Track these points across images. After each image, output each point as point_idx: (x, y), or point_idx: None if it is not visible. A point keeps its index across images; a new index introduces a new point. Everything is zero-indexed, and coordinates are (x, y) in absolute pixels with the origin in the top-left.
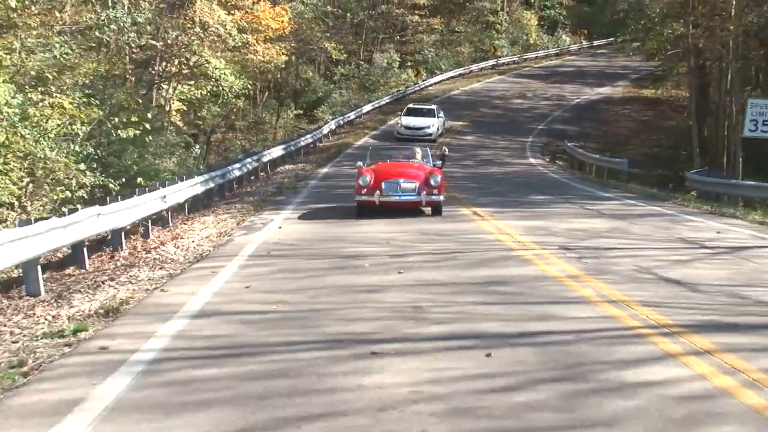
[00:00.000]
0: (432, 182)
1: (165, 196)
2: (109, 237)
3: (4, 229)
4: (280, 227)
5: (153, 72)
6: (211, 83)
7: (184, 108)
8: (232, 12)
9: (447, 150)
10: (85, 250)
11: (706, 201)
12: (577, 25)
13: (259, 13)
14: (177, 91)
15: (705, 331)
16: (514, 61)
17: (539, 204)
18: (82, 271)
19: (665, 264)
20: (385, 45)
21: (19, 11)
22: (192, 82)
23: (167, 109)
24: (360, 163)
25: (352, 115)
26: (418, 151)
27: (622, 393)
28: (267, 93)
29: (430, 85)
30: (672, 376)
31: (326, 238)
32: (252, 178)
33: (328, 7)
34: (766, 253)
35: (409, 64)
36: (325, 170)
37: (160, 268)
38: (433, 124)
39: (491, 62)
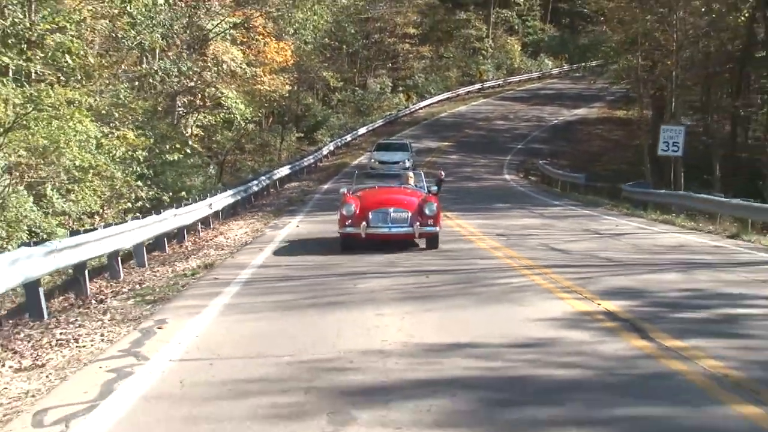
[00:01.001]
0: (427, 211)
1: (211, 204)
2: (175, 232)
3: (138, 220)
4: (297, 226)
5: (179, 105)
6: (225, 111)
7: (202, 133)
8: (242, 49)
9: (444, 174)
10: (165, 240)
11: (635, 207)
12: (558, 50)
13: (265, 48)
14: (196, 120)
15: (552, 267)
16: (499, 84)
17: (499, 210)
18: (163, 254)
19: (560, 242)
20: (378, 71)
21: (96, 65)
22: (209, 111)
23: (189, 135)
24: (344, 190)
25: (348, 137)
26: (411, 175)
27: (491, 286)
28: (271, 118)
29: (420, 108)
30: (518, 281)
31: (331, 231)
32: (265, 193)
33: (326, 39)
34: (631, 235)
35: (400, 89)
36: (326, 186)
37: (222, 249)
38: (407, 158)
39: (477, 86)
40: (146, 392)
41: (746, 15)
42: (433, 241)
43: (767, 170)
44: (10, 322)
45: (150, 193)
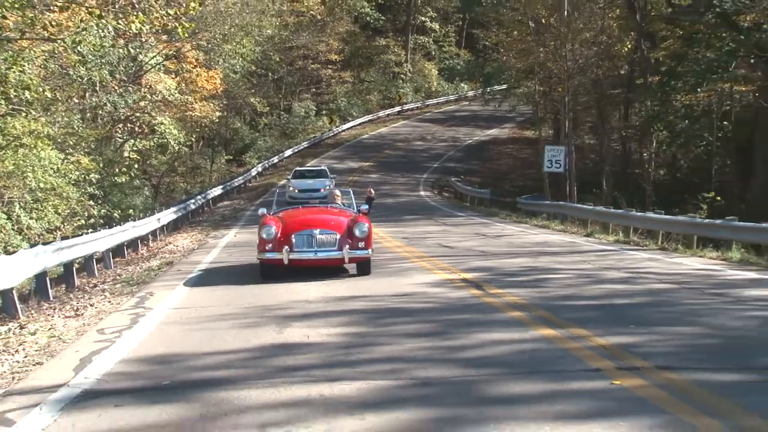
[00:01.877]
0: (357, 233)
1: (159, 219)
2: (130, 242)
3: (108, 229)
4: (235, 236)
5: (118, 132)
6: (159, 137)
7: (138, 157)
8: (174, 77)
9: (374, 192)
10: (125, 247)
11: (526, 216)
12: (472, 74)
13: (196, 77)
14: (132, 145)
15: (437, 257)
16: (418, 107)
17: (409, 220)
18: (124, 258)
19: (451, 242)
20: (302, 96)
21: (52, 99)
22: (144, 137)
23: (126, 159)
24: (263, 210)
25: (275, 159)
26: (338, 193)
27: (389, 268)
28: (201, 142)
29: (343, 131)
30: (409, 265)
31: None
32: (201, 210)
33: (253, 67)
34: (510, 236)
35: (324, 112)
36: (255, 204)
37: (175, 254)
38: (326, 185)
39: (397, 108)
40: (161, 321)
41: (629, 46)
42: (364, 267)
43: (645, 183)
44: (30, 301)
45: (102, 211)
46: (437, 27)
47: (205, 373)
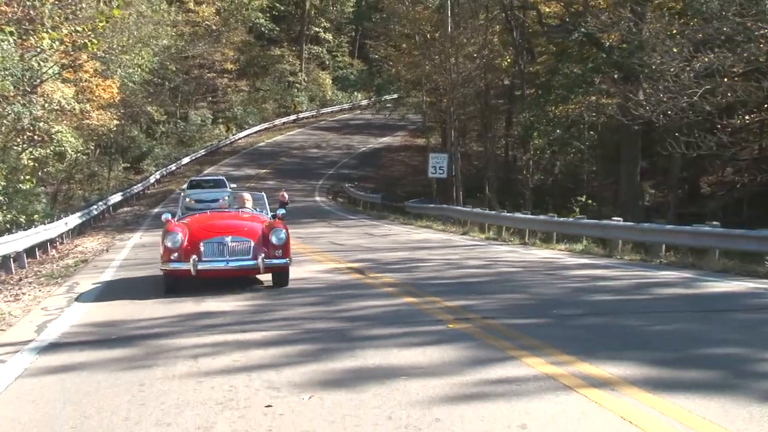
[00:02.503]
0: (274, 240)
1: (66, 222)
2: (38, 245)
3: (25, 231)
4: (140, 238)
5: (18, 141)
6: (56, 145)
7: (35, 165)
8: (70, 86)
9: (287, 195)
10: (36, 249)
11: (413, 218)
12: (366, 83)
13: (93, 86)
14: (29, 153)
15: (328, 252)
16: (313, 115)
17: (304, 223)
18: (35, 260)
19: (342, 240)
20: (198, 104)
21: None
22: (41, 145)
23: (24, 166)
24: (167, 216)
25: (173, 167)
26: (247, 197)
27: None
28: (99, 150)
29: (240, 139)
30: (303, 259)
31: None
32: (102, 216)
33: (150, 76)
34: (395, 235)
35: (220, 120)
36: (155, 210)
37: (86, 254)
38: (225, 196)
39: (293, 117)
40: (93, 302)
41: (509, 60)
42: (282, 277)
43: (524, 188)
44: None
45: (8, 216)
46: (331, 37)
47: (143, 331)
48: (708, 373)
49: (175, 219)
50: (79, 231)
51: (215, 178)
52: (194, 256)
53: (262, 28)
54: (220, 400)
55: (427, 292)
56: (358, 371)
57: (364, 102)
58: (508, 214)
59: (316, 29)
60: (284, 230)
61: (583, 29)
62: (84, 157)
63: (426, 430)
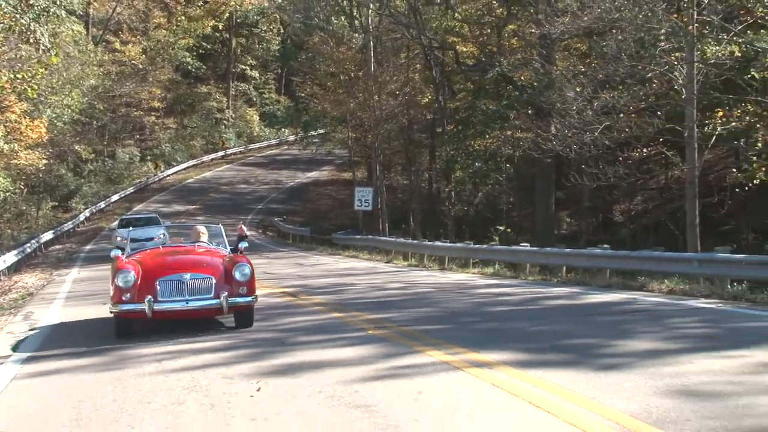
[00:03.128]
0: (238, 276)
1: (5, 260)
2: None
3: None
4: (78, 273)
5: None
6: None
7: None
8: None
9: (245, 228)
10: None
11: (340, 249)
12: (293, 119)
13: (21, 126)
14: None
15: (262, 280)
16: (241, 151)
17: None
18: None
19: (274, 270)
20: (126, 142)
21: None
22: None
23: None
24: (117, 252)
25: (102, 204)
26: (202, 230)
27: None
28: (27, 189)
29: (168, 175)
30: None
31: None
32: (34, 254)
33: (78, 115)
34: (324, 264)
35: (148, 158)
36: (88, 247)
37: (28, 289)
38: (162, 233)
39: (221, 153)
40: (54, 324)
41: (429, 96)
42: (246, 317)
43: (447, 218)
44: None
45: None
46: (257, 74)
47: (109, 344)
48: (565, 355)
49: (125, 255)
50: (15, 268)
51: (147, 215)
52: (149, 296)
53: (189, 67)
54: (186, 386)
55: (352, 308)
56: (294, 364)
57: (291, 138)
58: (429, 243)
59: (243, 67)
60: (248, 265)
61: (497, 69)
62: (13, 196)
63: (347, 398)
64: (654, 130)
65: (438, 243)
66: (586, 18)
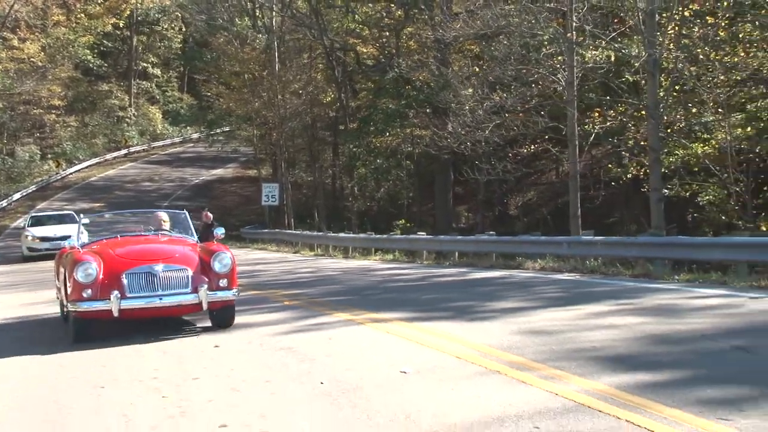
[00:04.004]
0: (217, 267)
1: None
2: None
3: None
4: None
5: None
6: None
7: None
8: None
9: (210, 215)
10: None
11: (249, 242)
12: (196, 117)
13: None
14: None
15: None
16: (145, 149)
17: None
18: None
19: None
20: (25, 140)
21: None
22: None
23: None
24: (71, 243)
25: (3, 203)
26: (164, 218)
27: None
28: None
29: (71, 174)
30: None
31: (23, 269)
32: None
33: None
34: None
35: (49, 156)
36: None
37: None
38: (79, 232)
39: (124, 151)
40: None
41: (332, 95)
42: (226, 314)
43: (350, 213)
44: None
45: None
46: (159, 72)
47: (66, 349)
48: (446, 313)
49: (78, 245)
50: None
51: (61, 213)
52: (116, 291)
53: (90, 64)
54: (156, 362)
55: (268, 288)
56: (231, 327)
57: (195, 135)
58: (333, 234)
59: (144, 65)
60: (229, 254)
61: (396, 69)
62: None
63: (274, 344)
64: (539, 128)
65: (342, 234)
66: (477, 23)
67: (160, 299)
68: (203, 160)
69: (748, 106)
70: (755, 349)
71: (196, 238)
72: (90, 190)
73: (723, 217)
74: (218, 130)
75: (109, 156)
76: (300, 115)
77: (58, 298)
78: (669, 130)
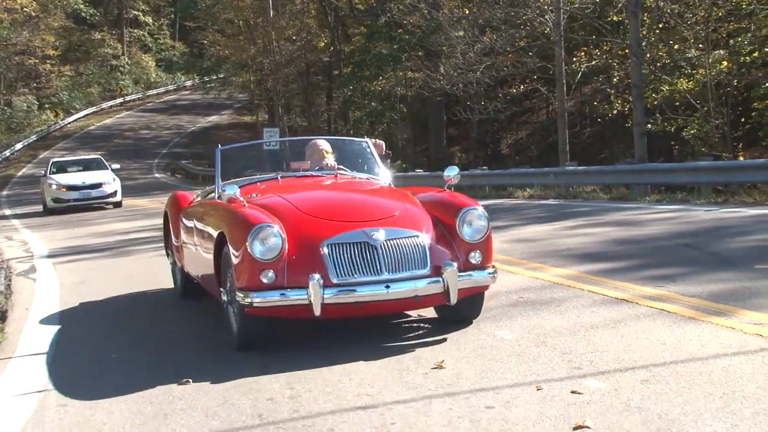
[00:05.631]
0: (466, 232)
1: None
2: None
3: None
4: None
5: None
6: None
7: None
8: None
9: (382, 143)
10: None
11: None
12: (190, 64)
13: None
14: None
15: None
16: (140, 98)
17: (150, 195)
18: None
19: None
20: (21, 91)
21: None
22: None
23: None
24: (234, 190)
25: (7, 153)
26: (325, 147)
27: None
28: None
29: (69, 123)
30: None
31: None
32: None
33: None
34: None
35: (47, 106)
36: (4, 192)
37: None
38: (109, 180)
39: (119, 100)
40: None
41: (326, 41)
42: (473, 306)
43: None
44: None
45: None
46: (150, 20)
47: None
48: None
49: (231, 190)
50: None
51: (89, 157)
52: (316, 275)
53: (82, 13)
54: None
55: None
56: None
57: (189, 83)
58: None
59: (135, 12)
60: (481, 210)
61: (388, 14)
62: None
63: None
64: (528, 68)
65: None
66: None
67: (387, 288)
68: (198, 108)
69: (730, 41)
70: (697, 245)
71: (390, 180)
72: (90, 139)
73: (704, 149)
74: (213, 77)
75: (105, 105)
76: (295, 61)
77: (171, 263)
78: (653, 67)
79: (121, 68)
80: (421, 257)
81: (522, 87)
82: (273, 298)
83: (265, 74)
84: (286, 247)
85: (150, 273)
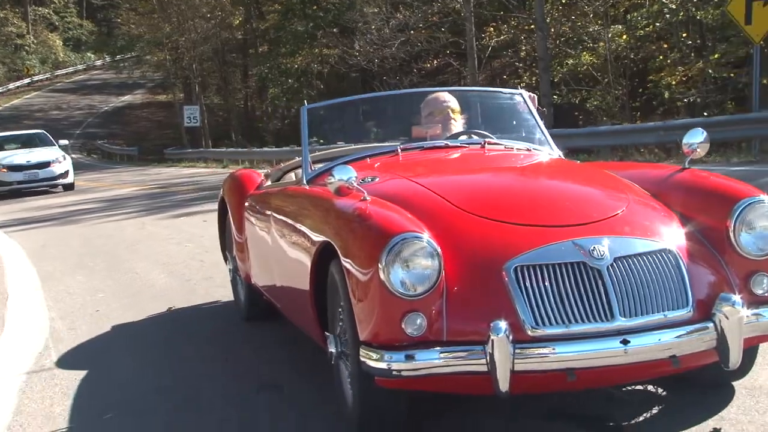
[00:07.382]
0: (748, 244)
1: None
2: None
3: None
4: None
5: None
6: None
7: None
8: None
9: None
10: None
11: (175, 162)
12: (99, 43)
13: None
14: None
15: (121, 183)
16: (48, 78)
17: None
18: None
19: (126, 181)
20: None
21: None
22: None
23: None
24: (350, 176)
25: None
26: (452, 104)
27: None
28: None
29: None
30: (110, 189)
31: None
32: None
33: None
34: (166, 173)
35: None
36: None
37: None
38: (58, 158)
39: (27, 80)
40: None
41: (240, 18)
42: (747, 358)
43: (266, 133)
44: None
45: None
46: None
47: None
48: None
49: (358, 183)
50: None
51: (27, 132)
52: (501, 321)
53: None
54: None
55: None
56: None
57: (99, 63)
58: (258, 149)
59: None
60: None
61: None
62: None
63: None
64: (441, 44)
65: (266, 148)
66: None
67: (625, 344)
68: (110, 87)
69: (628, 17)
70: None
71: (559, 150)
72: None
73: (605, 119)
74: (126, 56)
75: (11, 85)
76: (210, 39)
77: (230, 270)
78: (557, 42)
79: (27, 47)
80: (678, 287)
81: (435, 62)
82: (425, 363)
83: (180, 53)
84: (443, 272)
85: (106, 236)
